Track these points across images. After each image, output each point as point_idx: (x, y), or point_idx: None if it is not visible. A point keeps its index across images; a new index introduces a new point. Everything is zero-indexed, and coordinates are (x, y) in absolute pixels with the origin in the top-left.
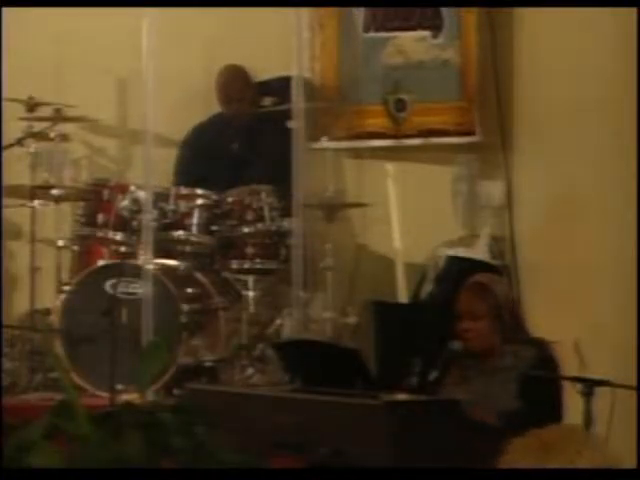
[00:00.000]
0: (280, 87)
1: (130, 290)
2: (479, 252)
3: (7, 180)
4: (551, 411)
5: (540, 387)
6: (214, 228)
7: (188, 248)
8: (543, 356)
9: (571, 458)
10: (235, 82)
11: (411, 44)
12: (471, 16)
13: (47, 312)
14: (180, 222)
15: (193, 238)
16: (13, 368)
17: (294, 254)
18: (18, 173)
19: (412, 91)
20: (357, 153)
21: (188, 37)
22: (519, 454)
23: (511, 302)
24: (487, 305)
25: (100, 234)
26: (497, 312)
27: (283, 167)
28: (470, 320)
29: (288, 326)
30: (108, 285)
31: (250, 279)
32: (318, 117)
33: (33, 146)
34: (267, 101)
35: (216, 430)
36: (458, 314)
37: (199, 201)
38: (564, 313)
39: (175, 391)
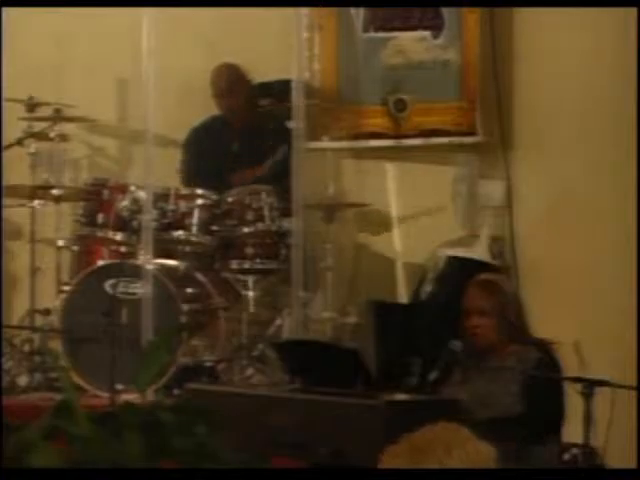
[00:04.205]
0: (281, 89)
1: (130, 290)
2: (479, 252)
3: (7, 180)
4: (553, 413)
5: (542, 389)
6: (214, 228)
7: (188, 248)
8: (546, 358)
9: (440, 459)
10: (223, 76)
11: (411, 44)
12: (472, 16)
13: (47, 312)
14: (180, 222)
15: (193, 238)
16: (13, 368)
17: (294, 254)
18: (18, 173)
19: (412, 91)
20: (357, 153)
21: (188, 37)
22: (389, 461)
23: (516, 302)
24: (495, 302)
25: (100, 234)
26: (503, 310)
27: (283, 167)
28: (478, 316)
29: (288, 326)
30: (108, 285)
31: (250, 279)
32: (318, 117)
33: (33, 146)
34: (266, 102)
35: (216, 430)
36: (466, 311)
37: (199, 201)
38: (564, 313)
39: (175, 391)
